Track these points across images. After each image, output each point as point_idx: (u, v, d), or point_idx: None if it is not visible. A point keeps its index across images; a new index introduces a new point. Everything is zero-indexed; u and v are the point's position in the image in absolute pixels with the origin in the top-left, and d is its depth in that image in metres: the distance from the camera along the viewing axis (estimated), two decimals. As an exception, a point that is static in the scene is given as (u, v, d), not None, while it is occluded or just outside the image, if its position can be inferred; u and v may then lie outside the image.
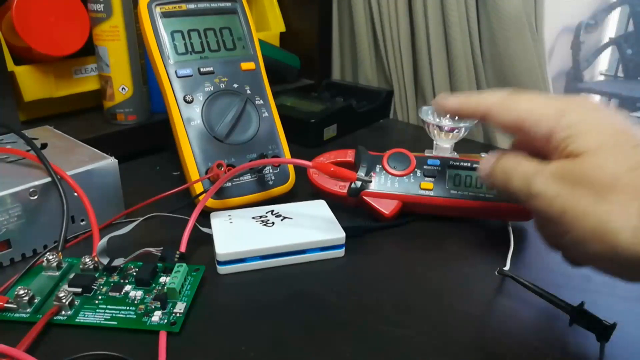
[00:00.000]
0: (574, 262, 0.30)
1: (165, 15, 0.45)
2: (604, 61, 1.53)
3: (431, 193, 0.43)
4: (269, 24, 0.75)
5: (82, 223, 0.41)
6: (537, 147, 0.31)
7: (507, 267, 0.37)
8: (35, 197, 0.37)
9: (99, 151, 0.43)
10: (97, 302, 0.32)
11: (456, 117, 0.50)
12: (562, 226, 0.28)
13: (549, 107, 0.30)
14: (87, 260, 0.35)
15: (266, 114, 0.47)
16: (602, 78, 1.55)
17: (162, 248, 0.36)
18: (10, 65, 0.52)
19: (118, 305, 0.32)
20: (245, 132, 0.45)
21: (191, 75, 0.45)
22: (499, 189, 0.33)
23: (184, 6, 0.46)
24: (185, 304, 0.32)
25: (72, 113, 0.60)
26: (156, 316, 0.31)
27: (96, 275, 0.35)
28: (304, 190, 0.47)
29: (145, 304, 0.32)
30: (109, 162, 0.41)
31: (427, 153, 0.47)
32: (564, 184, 0.28)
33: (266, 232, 0.38)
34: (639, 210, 0.25)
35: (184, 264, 0.35)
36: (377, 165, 0.44)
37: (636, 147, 0.27)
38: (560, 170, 0.28)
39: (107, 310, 0.32)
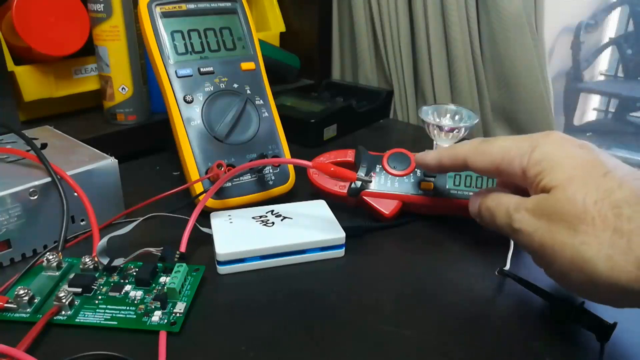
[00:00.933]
0: (569, 290, 0.31)
1: (165, 15, 0.45)
2: (604, 61, 1.52)
3: (431, 193, 0.43)
4: (269, 24, 0.75)
5: (82, 223, 0.41)
6: (517, 184, 0.32)
7: (507, 267, 0.37)
8: (35, 197, 0.37)
9: (99, 151, 0.43)
10: (97, 302, 0.32)
11: (456, 117, 0.50)
12: (545, 259, 0.29)
13: (520, 146, 0.31)
14: (87, 260, 0.35)
15: (266, 114, 0.47)
16: (602, 78, 1.55)
17: (162, 248, 0.36)
18: (10, 65, 0.52)
19: (118, 305, 0.32)
20: (245, 132, 0.45)
21: (191, 75, 0.45)
22: (487, 227, 0.35)
23: (184, 6, 0.46)
24: (185, 304, 0.32)
25: (72, 113, 0.60)
26: (156, 316, 0.31)
27: (96, 275, 0.35)
28: (304, 190, 0.47)
29: (145, 304, 0.32)
30: (109, 162, 0.41)
31: (427, 153, 0.47)
32: (540, 218, 0.29)
33: (266, 232, 0.38)
34: (611, 240, 0.26)
35: (184, 264, 0.35)
36: (377, 165, 0.44)
37: (605, 176, 0.28)
38: (536, 206, 0.29)
39: (107, 310, 0.32)
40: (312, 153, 0.47)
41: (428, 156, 0.39)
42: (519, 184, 0.32)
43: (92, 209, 0.38)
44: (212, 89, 0.45)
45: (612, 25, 1.47)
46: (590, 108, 1.54)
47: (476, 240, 0.41)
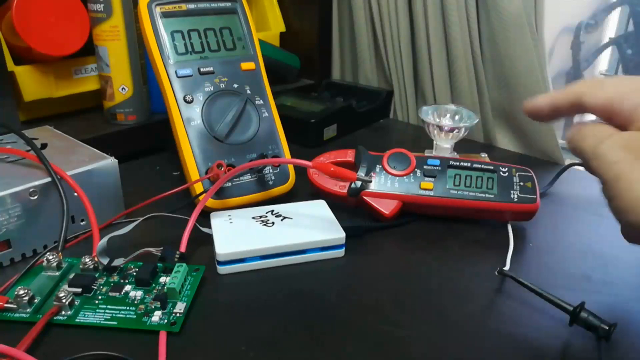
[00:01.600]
0: (624, 226, 0.31)
1: (165, 15, 0.45)
2: (604, 61, 1.52)
3: (431, 193, 0.43)
4: (269, 24, 0.75)
5: (82, 223, 0.41)
6: (619, 124, 0.31)
7: (507, 267, 0.37)
8: (35, 197, 0.37)
9: (99, 151, 0.43)
10: (97, 302, 0.32)
11: (456, 117, 0.50)
12: (613, 191, 0.28)
13: (636, 84, 0.31)
14: (87, 260, 0.35)
15: (266, 114, 0.47)
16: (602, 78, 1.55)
17: (162, 248, 0.36)
18: (10, 65, 0.52)
19: (118, 305, 0.32)
20: (245, 132, 0.45)
21: (191, 75, 0.45)
22: (573, 149, 0.34)
23: (184, 6, 0.46)
24: (185, 304, 0.32)
25: (72, 113, 0.60)
26: (156, 316, 0.31)
27: (96, 275, 0.35)
28: (304, 190, 0.47)
29: (145, 304, 0.32)
30: (109, 162, 0.41)
31: (427, 153, 0.48)
32: (627, 152, 0.28)
33: (266, 232, 0.38)
34: None
35: (184, 264, 0.35)
36: (377, 165, 0.44)
37: None
38: (628, 139, 0.29)
39: (107, 310, 0.32)
40: (312, 153, 0.47)
41: (539, 99, 0.37)
42: (621, 124, 0.31)
43: (92, 209, 0.38)
44: (212, 89, 0.45)
45: (612, 25, 1.47)
46: (591, 108, 1.53)
47: (476, 240, 0.41)
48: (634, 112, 0.30)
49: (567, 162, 0.56)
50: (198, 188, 0.43)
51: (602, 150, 0.30)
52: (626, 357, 0.30)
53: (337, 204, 0.43)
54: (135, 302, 0.33)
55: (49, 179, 0.38)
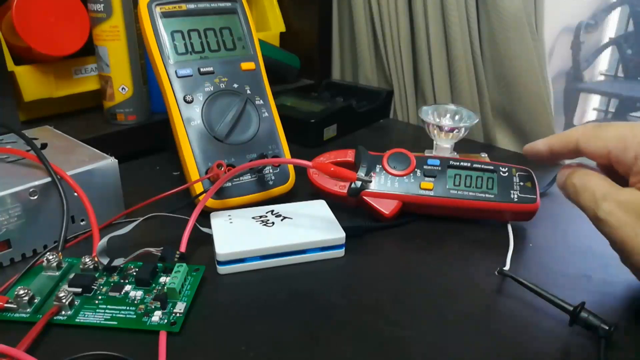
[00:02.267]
0: None
1: (165, 15, 0.45)
2: (604, 61, 1.52)
3: (431, 193, 0.43)
4: (269, 24, 0.75)
5: (82, 223, 0.41)
6: (620, 172, 0.32)
7: (507, 267, 0.37)
8: (35, 197, 0.37)
9: (99, 151, 0.43)
10: (97, 302, 0.32)
11: (456, 117, 0.50)
12: (623, 253, 0.29)
13: (635, 131, 0.31)
14: (87, 260, 0.35)
15: (266, 114, 0.47)
16: (602, 78, 1.55)
17: (162, 248, 0.36)
18: (10, 65, 0.52)
19: (118, 305, 0.32)
20: (245, 132, 0.45)
21: (191, 75, 0.45)
22: (567, 196, 0.34)
23: (184, 6, 0.46)
24: (185, 304, 0.32)
25: (72, 113, 0.60)
26: (156, 316, 0.31)
27: (96, 275, 0.35)
28: (304, 190, 0.47)
29: (145, 304, 0.32)
30: (109, 162, 0.41)
31: (427, 153, 0.48)
32: (629, 214, 0.29)
33: (266, 232, 0.38)
34: None
35: (184, 264, 0.35)
36: (377, 165, 0.44)
37: None
38: (630, 200, 0.29)
39: (107, 310, 0.32)
40: (312, 153, 0.47)
41: (538, 143, 0.38)
42: (622, 173, 0.31)
43: (92, 209, 0.38)
44: (212, 89, 0.45)
45: (612, 25, 1.47)
46: (590, 108, 1.54)
47: (476, 240, 0.41)
48: (635, 163, 0.30)
49: (567, 162, 0.56)
50: (198, 188, 0.43)
51: (603, 215, 0.30)
52: (626, 357, 0.30)
53: (337, 204, 0.43)
54: (135, 302, 0.33)
55: (49, 179, 0.38)
